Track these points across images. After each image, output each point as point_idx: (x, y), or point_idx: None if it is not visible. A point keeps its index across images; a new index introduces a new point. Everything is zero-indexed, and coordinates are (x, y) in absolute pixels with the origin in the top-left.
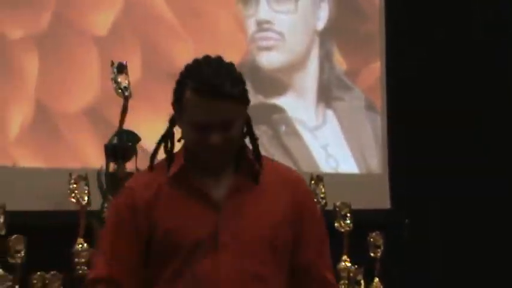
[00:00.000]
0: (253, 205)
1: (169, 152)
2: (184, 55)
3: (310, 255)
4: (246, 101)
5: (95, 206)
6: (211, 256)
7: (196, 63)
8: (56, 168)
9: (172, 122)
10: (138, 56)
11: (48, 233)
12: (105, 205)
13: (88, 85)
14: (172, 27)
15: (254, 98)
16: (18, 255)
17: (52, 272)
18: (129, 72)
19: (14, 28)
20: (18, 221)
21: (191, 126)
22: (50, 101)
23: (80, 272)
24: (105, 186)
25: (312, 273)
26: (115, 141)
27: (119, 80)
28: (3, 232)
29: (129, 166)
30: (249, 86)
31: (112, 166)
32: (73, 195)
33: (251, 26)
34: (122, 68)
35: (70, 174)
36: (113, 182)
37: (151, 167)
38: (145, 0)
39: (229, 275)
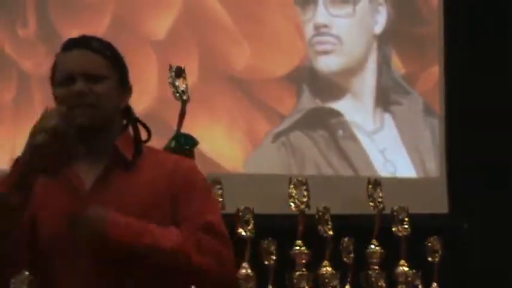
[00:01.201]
0: (119, 194)
1: None
2: (241, 59)
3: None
4: (112, 60)
5: None
6: (70, 249)
7: None
8: None
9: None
10: (195, 59)
11: None
12: None
13: (146, 89)
14: (229, 31)
15: (312, 102)
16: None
17: None
18: (187, 76)
19: (73, 31)
20: None
21: (59, 86)
22: None
23: None
24: None
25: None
26: (173, 144)
27: (177, 83)
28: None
29: None
30: (306, 90)
31: None
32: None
33: (309, 30)
34: (179, 72)
35: None
36: None
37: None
38: (203, 5)
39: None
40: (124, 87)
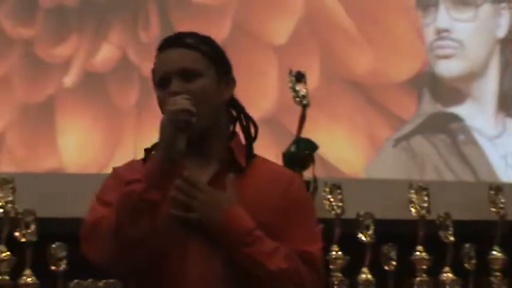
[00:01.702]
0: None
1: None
2: (363, 63)
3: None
4: (209, 54)
5: None
6: (181, 251)
7: None
8: None
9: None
10: (316, 64)
11: None
12: None
13: (267, 93)
14: (351, 35)
15: (432, 107)
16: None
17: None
18: (308, 81)
19: None
20: None
21: (157, 88)
22: None
23: None
24: None
25: None
26: (293, 149)
27: (297, 88)
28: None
29: (307, 174)
30: (427, 95)
31: None
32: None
33: (429, 34)
34: (300, 77)
35: None
36: None
37: (144, 159)
38: (325, 9)
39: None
40: (225, 80)
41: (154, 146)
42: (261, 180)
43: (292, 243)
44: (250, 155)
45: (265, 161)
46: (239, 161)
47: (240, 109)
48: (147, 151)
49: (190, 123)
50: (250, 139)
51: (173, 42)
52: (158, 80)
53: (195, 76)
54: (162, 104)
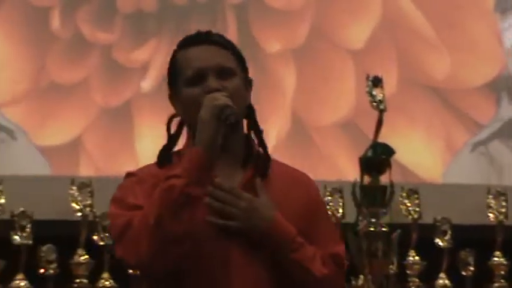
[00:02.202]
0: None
1: (168, 149)
2: (440, 67)
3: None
4: (237, 55)
5: (350, 218)
6: (222, 256)
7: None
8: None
9: (170, 120)
10: (394, 69)
11: None
12: (360, 218)
13: (343, 98)
14: (429, 39)
15: (511, 111)
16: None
17: None
18: (385, 86)
19: (272, 42)
20: None
21: (187, 85)
22: (305, 112)
23: None
24: (359, 199)
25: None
26: (370, 154)
27: (374, 93)
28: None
29: (384, 179)
30: (505, 99)
31: (366, 179)
32: (327, 207)
33: (508, 38)
34: (377, 81)
35: (325, 186)
36: (367, 195)
37: (159, 163)
38: (402, 13)
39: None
40: (248, 82)
41: (165, 150)
42: (283, 183)
43: (321, 246)
44: (269, 158)
45: (277, 162)
46: (266, 164)
47: (253, 111)
48: (164, 154)
49: (239, 119)
50: (265, 142)
51: (204, 39)
52: (190, 76)
53: (230, 75)
54: (193, 101)
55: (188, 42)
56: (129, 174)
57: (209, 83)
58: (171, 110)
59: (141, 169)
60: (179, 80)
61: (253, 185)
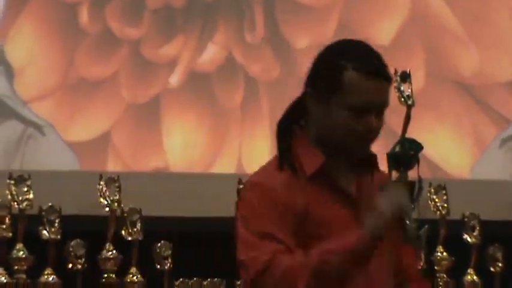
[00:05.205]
0: (371, 204)
1: (287, 150)
2: (468, 63)
3: (409, 259)
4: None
5: None
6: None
7: (347, 45)
8: None
9: (297, 112)
10: (422, 64)
11: None
12: None
13: None
14: (457, 35)
15: None
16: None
17: None
18: (413, 81)
19: (300, 37)
20: None
21: (348, 109)
22: None
23: None
24: None
25: (411, 275)
26: (397, 149)
27: (402, 88)
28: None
29: (412, 174)
30: None
31: (394, 174)
32: None
33: None
34: (405, 77)
35: None
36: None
37: (281, 165)
38: (430, 8)
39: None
40: None
41: (283, 154)
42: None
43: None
44: (375, 156)
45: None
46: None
47: None
48: (285, 156)
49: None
50: None
51: (383, 74)
52: (357, 105)
53: (383, 113)
54: (346, 126)
55: (366, 70)
56: (253, 185)
57: (371, 121)
58: (199, 105)
59: (263, 176)
60: (338, 96)
61: (364, 185)
